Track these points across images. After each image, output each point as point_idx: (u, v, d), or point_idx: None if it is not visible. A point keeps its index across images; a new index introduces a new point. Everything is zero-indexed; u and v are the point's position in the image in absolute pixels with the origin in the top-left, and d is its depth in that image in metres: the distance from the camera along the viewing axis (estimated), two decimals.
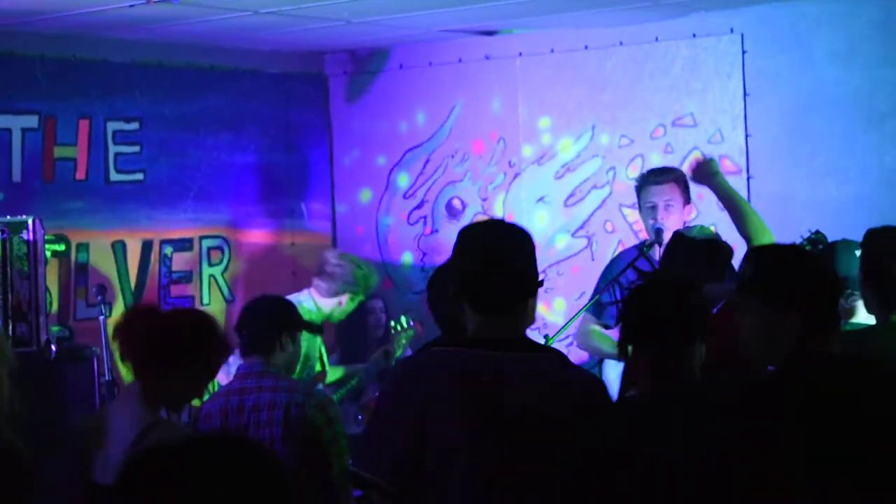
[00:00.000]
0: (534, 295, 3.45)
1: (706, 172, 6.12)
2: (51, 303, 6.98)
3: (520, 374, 3.34)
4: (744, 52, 7.19)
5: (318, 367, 6.68)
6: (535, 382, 3.33)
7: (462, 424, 3.33)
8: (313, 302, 6.83)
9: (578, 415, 3.31)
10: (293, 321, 5.14)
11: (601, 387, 3.49)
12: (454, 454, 3.33)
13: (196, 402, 6.38)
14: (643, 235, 7.36)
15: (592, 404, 3.37)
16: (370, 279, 7.00)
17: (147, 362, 4.06)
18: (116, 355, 4.34)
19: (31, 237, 6.20)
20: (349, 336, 7.78)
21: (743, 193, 7.17)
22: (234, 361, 5.47)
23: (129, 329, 4.12)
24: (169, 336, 4.07)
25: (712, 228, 5.90)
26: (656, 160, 7.42)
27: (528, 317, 3.45)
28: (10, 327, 6.12)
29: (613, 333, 5.84)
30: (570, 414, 3.31)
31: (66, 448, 6.17)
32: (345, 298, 6.88)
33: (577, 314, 6.03)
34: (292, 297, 6.12)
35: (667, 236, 5.87)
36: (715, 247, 5.06)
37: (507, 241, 3.45)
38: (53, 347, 6.29)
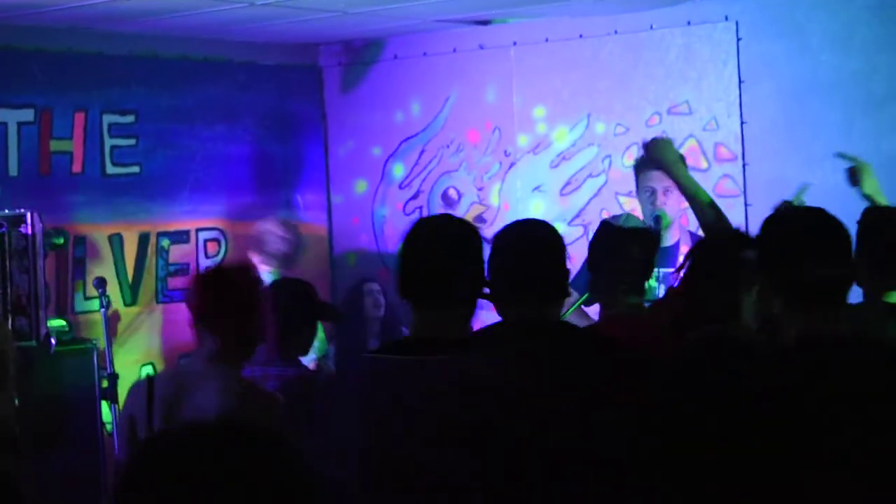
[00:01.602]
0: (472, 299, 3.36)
1: (662, 155, 5.71)
2: (49, 296, 6.98)
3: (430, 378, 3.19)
4: (738, 40, 7.20)
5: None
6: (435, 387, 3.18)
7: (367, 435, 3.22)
8: None
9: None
10: (313, 308, 5.14)
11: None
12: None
13: None
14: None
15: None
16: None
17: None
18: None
19: (29, 231, 6.21)
20: (347, 320, 7.77)
21: (739, 180, 7.21)
22: None
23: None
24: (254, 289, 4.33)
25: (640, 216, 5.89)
26: None
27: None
28: (10, 321, 6.12)
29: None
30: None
31: (66, 440, 6.20)
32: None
33: (577, 303, 6.03)
34: None
35: (672, 222, 5.88)
36: (645, 236, 4.95)
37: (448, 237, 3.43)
38: (53, 341, 6.30)
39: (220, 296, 4.31)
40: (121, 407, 5.39)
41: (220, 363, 4.22)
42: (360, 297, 7.73)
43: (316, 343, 6.48)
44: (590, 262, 4.70)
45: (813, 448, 2.70)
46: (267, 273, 6.81)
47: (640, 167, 6.23)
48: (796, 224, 3.40)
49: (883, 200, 5.58)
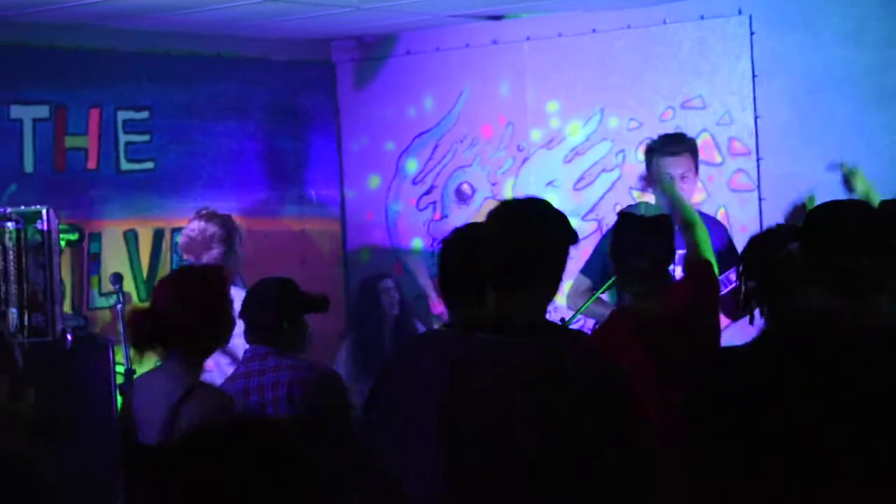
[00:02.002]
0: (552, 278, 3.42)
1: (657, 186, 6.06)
2: (64, 292, 7.00)
3: (509, 360, 3.26)
4: (752, 34, 7.19)
5: None
6: (521, 370, 3.23)
7: (439, 415, 3.25)
8: None
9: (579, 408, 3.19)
10: (293, 303, 5.10)
11: (614, 377, 3.33)
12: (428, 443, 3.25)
13: None
14: None
15: (595, 396, 3.22)
16: None
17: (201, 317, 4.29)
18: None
19: (44, 227, 6.22)
20: (363, 318, 7.78)
21: (753, 175, 7.20)
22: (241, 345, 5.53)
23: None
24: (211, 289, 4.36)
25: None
26: None
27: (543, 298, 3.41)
28: (26, 317, 6.14)
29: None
30: (561, 406, 3.19)
31: (81, 436, 6.21)
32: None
33: (593, 296, 6.05)
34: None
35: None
36: (667, 223, 5.00)
37: (527, 218, 3.50)
38: (69, 337, 6.31)
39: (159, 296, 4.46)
40: None
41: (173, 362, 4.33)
42: (377, 294, 7.71)
43: None
44: (614, 253, 4.77)
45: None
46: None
47: (653, 153, 6.21)
48: (843, 214, 3.38)
49: (876, 198, 5.64)
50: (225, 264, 6.34)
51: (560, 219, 3.55)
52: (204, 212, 6.83)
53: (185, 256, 6.79)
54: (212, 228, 6.65)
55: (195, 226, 6.71)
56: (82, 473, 5.96)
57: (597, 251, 6.27)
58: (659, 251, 4.76)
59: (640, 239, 4.75)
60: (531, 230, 3.46)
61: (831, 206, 3.44)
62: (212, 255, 6.56)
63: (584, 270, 6.29)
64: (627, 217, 5.11)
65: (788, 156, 7.12)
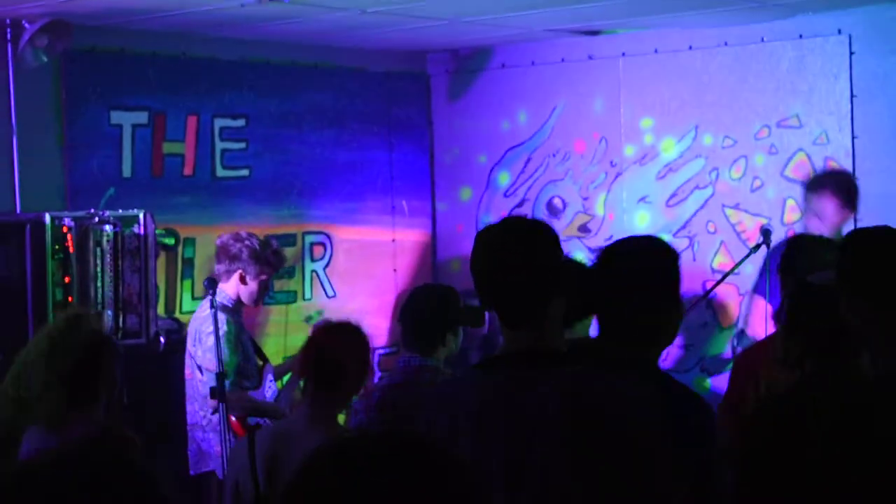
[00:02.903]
0: (553, 296, 3.02)
1: None
2: (158, 295, 7.10)
3: (545, 397, 2.93)
4: (851, 54, 7.12)
5: None
6: (565, 405, 2.91)
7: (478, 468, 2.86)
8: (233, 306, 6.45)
9: (623, 439, 2.89)
10: (457, 314, 5.09)
11: (656, 400, 3.01)
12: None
13: None
14: (746, 237, 7.34)
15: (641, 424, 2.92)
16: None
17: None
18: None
19: (141, 231, 6.33)
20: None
21: None
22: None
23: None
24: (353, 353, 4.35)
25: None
26: (760, 161, 7.39)
27: (557, 326, 3.05)
28: (121, 319, 6.25)
29: None
30: (608, 439, 2.88)
31: (173, 438, 6.31)
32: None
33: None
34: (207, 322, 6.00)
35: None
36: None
37: (510, 238, 3.06)
38: (162, 339, 6.42)
39: (309, 354, 4.37)
40: (227, 407, 5.46)
41: (319, 418, 4.23)
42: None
43: None
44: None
45: None
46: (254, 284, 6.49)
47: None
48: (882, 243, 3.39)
49: None
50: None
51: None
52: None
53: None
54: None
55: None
56: (172, 474, 6.06)
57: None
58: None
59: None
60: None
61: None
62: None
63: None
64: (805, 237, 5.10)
65: (886, 176, 7.03)
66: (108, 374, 4.20)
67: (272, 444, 4.17)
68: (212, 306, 5.70)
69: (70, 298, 6.03)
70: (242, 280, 6.40)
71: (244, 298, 6.43)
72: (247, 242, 6.46)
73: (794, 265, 4.92)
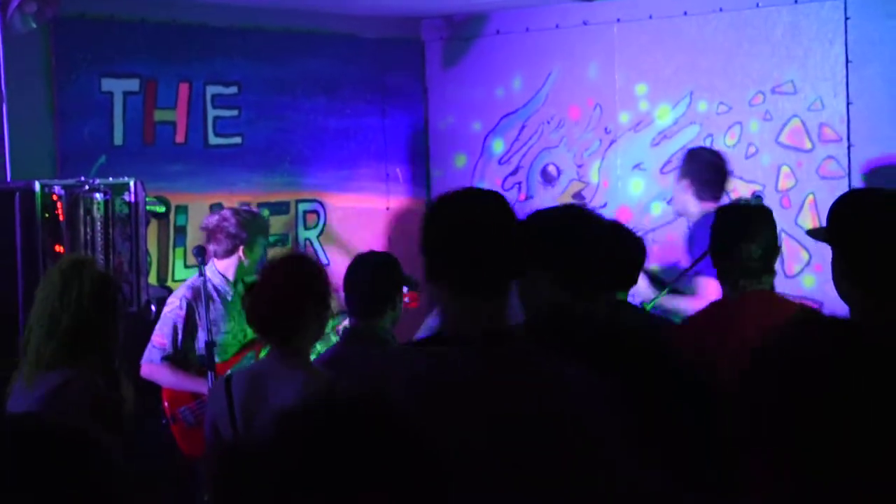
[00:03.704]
0: (520, 275, 2.94)
1: None
2: (150, 264, 7.08)
3: (504, 376, 2.80)
4: (847, 19, 7.06)
5: None
6: (523, 385, 2.78)
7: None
8: (222, 278, 6.44)
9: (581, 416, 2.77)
10: (402, 277, 5.04)
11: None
12: None
13: None
14: None
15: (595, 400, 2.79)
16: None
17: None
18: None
19: (132, 199, 6.29)
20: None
21: (844, 162, 7.09)
22: None
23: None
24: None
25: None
26: (754, 128, 7.35)
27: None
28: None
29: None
30: (569, 417, 2.76)
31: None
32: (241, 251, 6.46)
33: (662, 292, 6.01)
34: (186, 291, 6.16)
35: None
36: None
37: (482, 209, 2.95)
38: (153, 308, 6.40)
39: (261, 295, 4.23)
40: (216, 376, 5.44)
41: (288, 360, 4.15)
42: None
43: None
44: (719, 247, 4.53)
45: None
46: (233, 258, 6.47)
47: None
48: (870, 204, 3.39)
49: None
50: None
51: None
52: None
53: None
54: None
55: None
56: (159, 443, 6.05)
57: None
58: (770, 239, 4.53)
59: (752, 227, 4.52)
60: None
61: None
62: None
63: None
64: (732, 207, 5.02)
65: (881, 143, 6.99)
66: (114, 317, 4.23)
67: (248, 386, 4.15)
68: (200, 274, 5.68)
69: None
70: (246, 255, 6.39)
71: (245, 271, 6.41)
72: (242, 216, 6.46)
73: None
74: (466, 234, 2.92)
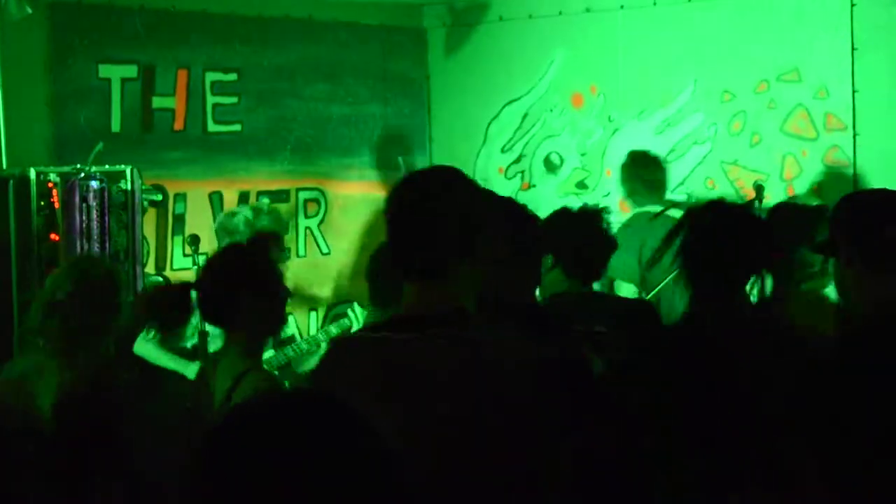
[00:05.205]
0: (467, 255, 2.82)
1: None
2: (148, 252, 7.04)
3: (457, 361, 2.72)
4: (852, 5, 6.98)
5: None
6: (476, 370, 2.71)
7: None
8: None
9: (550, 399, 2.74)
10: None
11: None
12: None
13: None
14: (744, 193, 7.23)
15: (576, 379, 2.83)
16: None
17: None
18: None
19: (128, 186, 6.25)
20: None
21: (849, 151, 7.01)
22: None
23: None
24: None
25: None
26: (759, 116, 7.27)
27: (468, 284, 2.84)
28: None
29: None
30: (534, 401, 2.71)
31: (162, 392, 6.26)
32: None
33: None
34: None
35: None
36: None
37: (430, 189, 2.86)
38: None
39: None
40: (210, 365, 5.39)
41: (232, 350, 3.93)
42: None
43: None
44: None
45: None
46: None
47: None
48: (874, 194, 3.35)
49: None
50: None
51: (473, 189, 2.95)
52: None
53: None
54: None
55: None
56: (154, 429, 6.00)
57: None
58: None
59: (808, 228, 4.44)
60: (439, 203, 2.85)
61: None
62: None
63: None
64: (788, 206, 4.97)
65: (886, 131, 6.90)
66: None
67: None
68: (194, 263, 5.63)
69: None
70: None
71: None
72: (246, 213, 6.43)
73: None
74: (401, 216, 2.86)
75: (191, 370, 5.78)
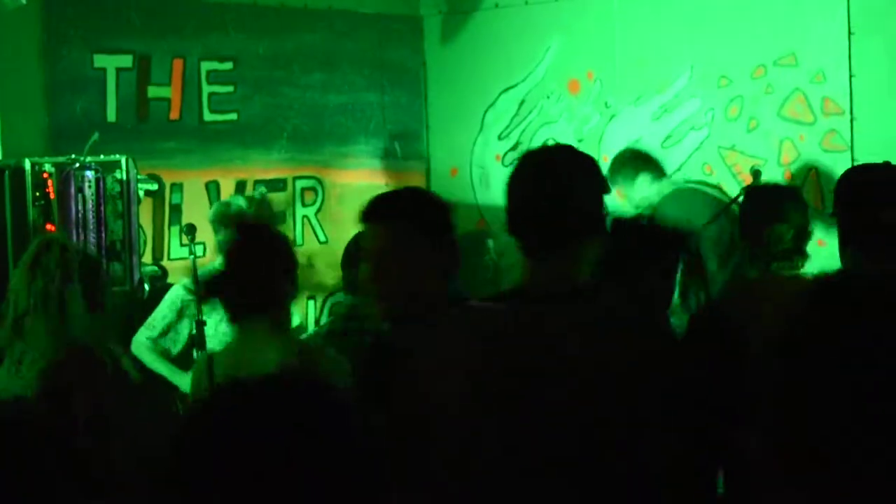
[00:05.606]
0: (595, 233, 2.91)
1: None
2: (145, 242, 7.03)
3: (566, 329, 2.79)
4: None
5: None
6: (586, 339, 2.79)
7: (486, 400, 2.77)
8: None
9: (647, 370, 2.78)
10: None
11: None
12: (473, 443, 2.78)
13: None
14: (742, 178, 7.22)
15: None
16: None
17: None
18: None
19: (123, 176, 6.24)
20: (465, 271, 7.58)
21: (846, 135, 7.00)
22: None
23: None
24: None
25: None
26: (756, 101, 7.25)
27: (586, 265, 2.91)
28: (104, 266, 6.17)
29: None
30: (634, 370, 2.77)
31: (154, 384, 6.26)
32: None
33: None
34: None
35: None
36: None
37: (559, 168, 2.92)
38: (146, 287, 6.35)
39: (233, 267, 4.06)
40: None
41: (272, 334, 3.97)
42: (483, 253, 7.55)
43: None
44: (748, 230, 4.42)
45: None
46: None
47: None
48: (873, 174, 3.33)
49: None
50: None
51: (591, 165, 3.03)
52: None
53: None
54: None
55: None
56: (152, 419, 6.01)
57: None
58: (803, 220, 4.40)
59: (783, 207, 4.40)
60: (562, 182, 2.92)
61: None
62: None
63: None
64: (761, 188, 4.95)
65: (884, 116, 6.89)
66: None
67: (230, 364, 4.07)
68: (190, 253, 5.63)
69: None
70: None
71: None
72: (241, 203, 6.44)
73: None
74: (527, 191, 2.92)
75: (184, 381, 5.75)
